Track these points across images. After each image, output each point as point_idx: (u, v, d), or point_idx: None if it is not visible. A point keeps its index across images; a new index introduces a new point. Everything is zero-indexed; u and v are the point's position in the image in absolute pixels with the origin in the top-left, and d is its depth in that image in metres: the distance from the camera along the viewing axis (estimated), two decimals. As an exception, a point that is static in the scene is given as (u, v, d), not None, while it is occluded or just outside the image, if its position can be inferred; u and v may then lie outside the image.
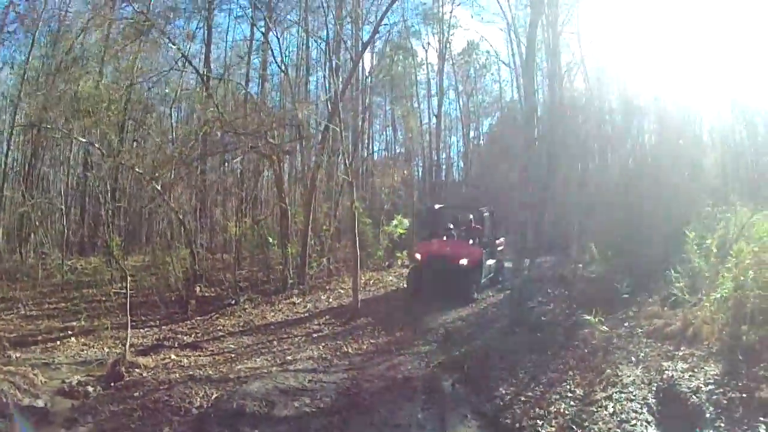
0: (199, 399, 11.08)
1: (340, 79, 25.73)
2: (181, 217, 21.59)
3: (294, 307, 20.30)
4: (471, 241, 21.97)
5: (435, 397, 11.50)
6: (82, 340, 16.74)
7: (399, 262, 25.86)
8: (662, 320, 14.58)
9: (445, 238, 22.11)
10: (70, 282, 22.85)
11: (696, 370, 11.24)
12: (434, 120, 39.79)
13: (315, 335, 16.69)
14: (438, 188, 38.33)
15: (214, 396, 11.21)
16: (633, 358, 12.31)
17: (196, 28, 29.89)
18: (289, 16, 29.82)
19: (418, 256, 21.58)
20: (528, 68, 24.04)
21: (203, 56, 29.82)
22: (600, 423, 9.61)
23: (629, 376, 11.07)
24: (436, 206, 24.26)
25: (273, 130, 23.22)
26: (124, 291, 18.15)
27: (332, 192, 26.14)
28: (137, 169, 21.08)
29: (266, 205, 28.41)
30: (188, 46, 27.81)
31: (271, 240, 23.69)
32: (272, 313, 19.60)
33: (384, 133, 41.03)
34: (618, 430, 9.43)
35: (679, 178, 24.64)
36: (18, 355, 14.79)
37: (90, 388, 12.11)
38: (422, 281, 20.63)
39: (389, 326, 17.24)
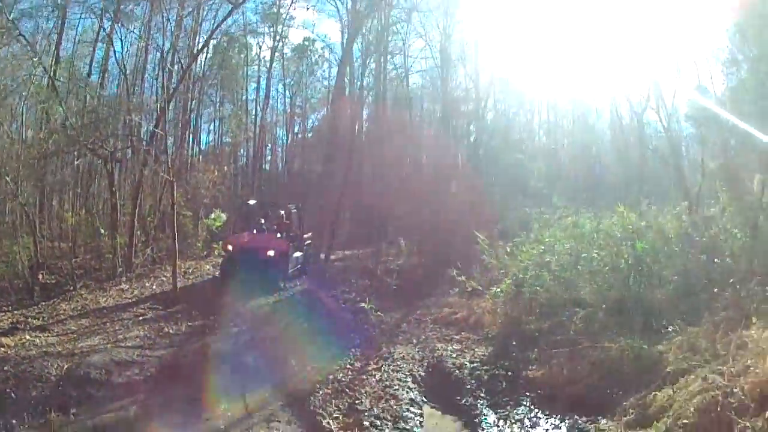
0: (54, 369, 13.29)
1: (173, 84, 27.66)
2: (26, 209, 22.98)
3: (123, 293, 22.02)
4: (280, 235, 23.79)
5: (240, 368, 13.69)
6: None
7: (216, 252, 27.61)
8: (452, 309, 17.48)
9: (255, 231, 23.86)
10: None
11: (467, 351, 14.04)
12: (260, 114, 41.51)
13: (141, 318, 18.54)
14: (261, 181, 39.99)
15: (65, 366, 13.37)
16: (414, 340, 15.17)
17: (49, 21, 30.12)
18: (132, 26, 30.84)
19: (230, 247, 23.07)
20: (339, 81, 26.67)
21: (53, 50, 30.26)
22: (368, 387, 12.18)
23: (401, 354, 13.77)
24: (250, 202, 26.15)
25: (108, 139, 25.12)
26: None
27: (157, 186, 27.47)
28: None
29: (99, 198, 29.57)
30: (41, 43, 28.61)
31: (102, 231, 25.12)
32: (104, 299, 21.17)
33: (213, 122, 41.75)
34: (382, 392, 11.81)
35: (504, 181, 27.75)
36: None
37: None
38: (234, 271, 22.02)
39: (205, 311, 19.04)
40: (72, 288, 22.19)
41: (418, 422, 11.22)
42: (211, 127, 42.59)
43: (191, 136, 38.08)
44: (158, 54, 30.63)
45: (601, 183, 30.09)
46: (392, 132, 32.43)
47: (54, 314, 19.35)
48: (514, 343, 14.16)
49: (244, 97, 42.04)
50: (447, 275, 19.58)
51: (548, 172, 30.61)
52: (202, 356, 14.86)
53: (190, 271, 25.91)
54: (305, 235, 25.32)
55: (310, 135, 44.38)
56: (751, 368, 8.54)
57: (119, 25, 29.95)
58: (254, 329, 17.41)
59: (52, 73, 26.21)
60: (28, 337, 16.76)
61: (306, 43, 41.59)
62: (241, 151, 42.10)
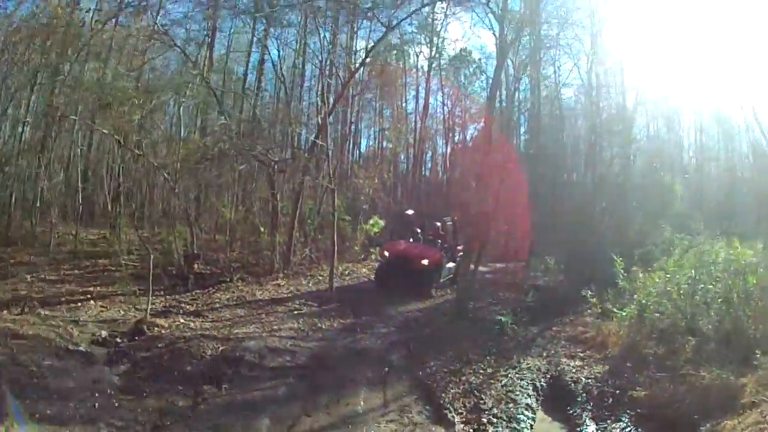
0: (209, 350, 15.04)
1: (331, 98, 29.00)
2: (184, 202, 24.77)
3: (279, 288, 23.50)
4: (434, 246, 25.14)
5: (383, 364, 15.30)
6: (100, 303, 19.89)
7: (372, 256, 28.94)
8: (584, 329, 18.55)
9: (411, 240, 25.50)
10: (80, 252, 25.45)
11: (586, 367, 15.30)
12: (420, 122, 41.38)
13: (295, 312, 19.98)
14: (419, 189, 40.76)
15: (220, 348, 15.17)
16: (544, 354, 16.45)
17: (203, 33, 31.81)
18: (288, 35, 32.43)
19: (386, 253, 24.66)
20: (491, 102, 26.45)
21: (206, 59, 31.77)
22: (493, 390, 13.74)
23: (528, 364, 15.27)
24: (409, 212, 27.60)
25: (273, 149, 27.20)
26: (131, 263, 22.61)
27: (318, 190, 28.65)
28: (151, 160, 24.57)
29: (258, 199, 30.47)
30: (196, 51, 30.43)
31: (262, 229, 26.68)
32: (260, 292, 22.80)
33: (372, 127, 42.38)
34: (504, 395, 13.51)
35: (649, 204, 27.67)
36: (46, 312, 17.98)
37: (118, 340, 15.94)
38: (388, 276, 23.58)
39: (357, 311, 20.50)
40: (228, 279, 23.87)
41: (529, 425, 12.72)
42: (371, 132, 42.88)
43: (351, 142, 39.66)
44: (315, 63, 32.11)
45: (743, 208, 30.12)
46: (546, 149, 33.63)
47: (209, 302, 21.17)
48: (628, 364, 15.18)
49: (403, 105, 42.05)
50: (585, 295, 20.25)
51: (692, 196, 30.47)
52: (350, 351, 16.50)
53: (347, 272, 27.18)
54: (458, 247, 25.70)
55: (469, 144, 43.81)
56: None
57: (273, 29, 31.54)
58: (401, 331, 18.82)
59: (206, 79, 27.61)
60: (182, 320, 18.57)
61: (463, 53, 41.51)
62: (402, 157, 42.18)
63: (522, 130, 39.54)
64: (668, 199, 28.05)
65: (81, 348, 15.06)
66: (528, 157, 35.03)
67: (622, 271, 19.31)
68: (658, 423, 11.93)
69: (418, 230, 26.30)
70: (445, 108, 43.03)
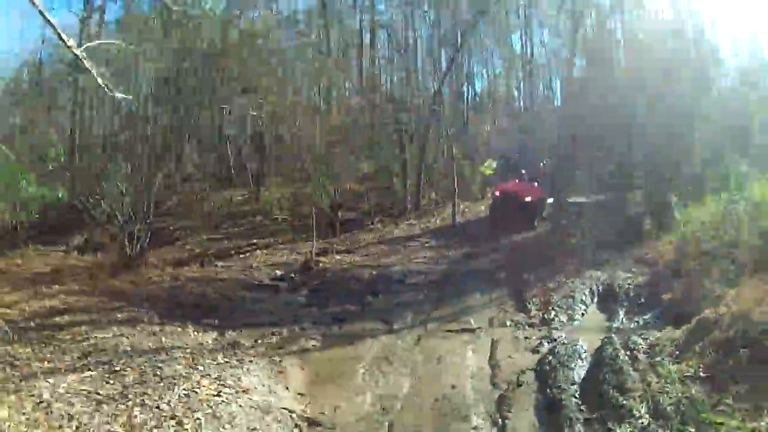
0: (366, 274, 21.74)
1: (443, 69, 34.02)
2: (325, 161, 28.63)
3: (411, 227, 29.15)
4: (536, 184, 28.68)
5: (492, 279, 20.24)
6: (264, 252, 25.61)
7: (488, 195, 31.48)
8: (647, 250, 20.93)
9: (517, 180, 29.25)
10: (235, 213, 31.34)
11: (634, 278, 18.44)
12: (530, 57, 42.77)
13: (426, 245, 25.79)
14: (531, 124, 40.32)
15: (374, 272, 21.78)
16: (609, 270, 19.43)
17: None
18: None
19: (497, 192, 28.17)
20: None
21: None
22: (561, 292, 17.78)
23: (592, 276, 18.79)
24: (512, 156, 32.06)
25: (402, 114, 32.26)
26: (282, 216, 28.14)
27: (439, 141, 33.88)
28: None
29: (387, 151, 34.94)
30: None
31: (394, 179, 32.36)
32: (397, 231, 28.59)
33: (486, 68, 44.19)
34: (568, 294, 17.57)
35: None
36: (222, 263, 23.85)
37: (292, 276, 21.94)
38: (498, 212, 27.16)
39: (475, 242, 25.35)
40: (370, 222, 29.79)
41: (580, 313, 16.68)
42: (484, 72, 45.31)
43: (467, 85, 42.57)
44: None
45: None
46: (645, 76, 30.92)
47: (355, 242, 27.04)
48: (668, 275, 17.59)
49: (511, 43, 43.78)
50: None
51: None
52: (468, 271, 21.87)
53: (467, 210, 31.51)
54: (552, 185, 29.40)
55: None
56: None
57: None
58: (508, 256, 23.28)
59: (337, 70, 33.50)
60: (337, 257, 24.48)
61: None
62: (515, 95, 44.77)
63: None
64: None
65: (266, 282, 21.02)
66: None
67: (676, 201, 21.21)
68: (673, 315, 14.36)
69: (523, 171, 29.84)
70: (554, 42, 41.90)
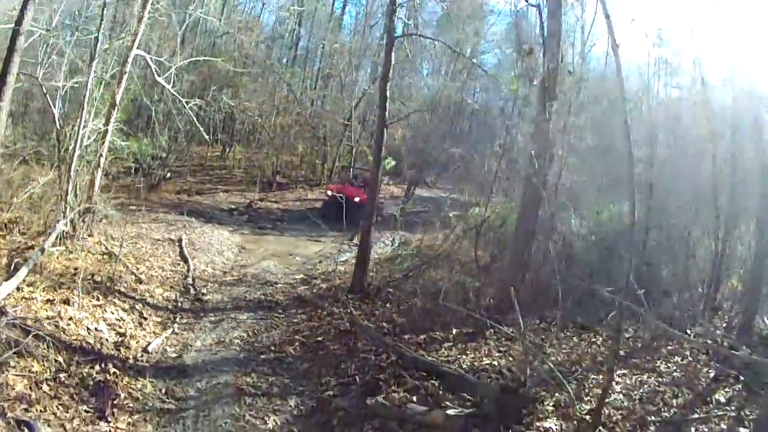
0: (280, 212, 37.84)
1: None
2: (273, 142, 42.88)
3: (321, 193, 41.10)
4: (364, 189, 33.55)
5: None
6: (225, 194, 38.82)
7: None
8: None
9: (347, 184, 38.37)
10: (208, 166, 43.68)
11: None
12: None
13: (318, 202, 39.46)
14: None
15: (285, 212, 37.85)
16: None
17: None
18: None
19: (329, 192, 37.56)
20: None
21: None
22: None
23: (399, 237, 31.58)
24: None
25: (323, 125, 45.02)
26: (239, 173, 41.98)
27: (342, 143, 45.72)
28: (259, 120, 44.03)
29: (316, 142, 46.81)
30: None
31: (317, 160, 45.23)
32: (310, 194, 42.28)
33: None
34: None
35: None
36: (200, 197, 37.04)
37: (241, 209, 36.30)
38: (329, 207, 34.66)
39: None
40: (295, 186, 42.11)
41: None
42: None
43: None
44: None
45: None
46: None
47: (283, 197, 40.22)
48: None
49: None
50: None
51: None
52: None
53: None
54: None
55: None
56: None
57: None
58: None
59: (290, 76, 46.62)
60: (269, 204, 38.08)
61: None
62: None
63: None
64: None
65: (226, 209, 35.64)
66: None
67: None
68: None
69: (354, 179, 39.29)
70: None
